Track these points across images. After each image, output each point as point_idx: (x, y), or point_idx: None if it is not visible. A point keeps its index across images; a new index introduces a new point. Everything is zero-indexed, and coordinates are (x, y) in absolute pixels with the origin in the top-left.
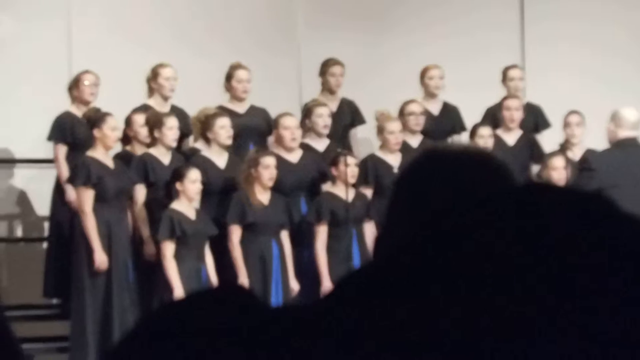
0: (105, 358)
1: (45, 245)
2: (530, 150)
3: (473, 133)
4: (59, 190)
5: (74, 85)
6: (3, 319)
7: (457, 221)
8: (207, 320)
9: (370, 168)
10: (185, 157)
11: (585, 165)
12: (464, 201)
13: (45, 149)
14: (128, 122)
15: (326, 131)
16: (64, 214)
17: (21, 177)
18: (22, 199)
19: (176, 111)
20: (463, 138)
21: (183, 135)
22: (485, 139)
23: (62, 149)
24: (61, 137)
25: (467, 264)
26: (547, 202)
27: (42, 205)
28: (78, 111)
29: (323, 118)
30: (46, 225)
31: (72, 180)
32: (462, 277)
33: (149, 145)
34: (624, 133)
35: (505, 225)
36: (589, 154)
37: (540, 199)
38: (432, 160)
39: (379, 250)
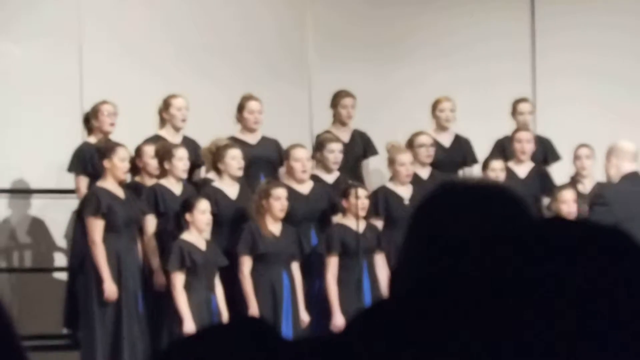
0: None
1: (56, 275)
2: (541, 182)
3: (485, 166)
4: (80, 221)
5: (93, 116)
6: (21, 350)
7: (476, 258)
8: (222, 357)
9: (381, 199)
10: (197, 188)
11: (599, 200)
12: (482, 236)
13: (57, 178)
14: (138, 152)
15: (336, 167)
16: (84, 244)
17: (33, 207)
18: (34, 228)
19: (187, 142)
20: (474, 170)
21: (194, 166)
22: (497, 172)
23: (84, 181)
24: (81, 168)
25: (487, 302)
26: (566, 238)
27: (54, 235)
28: (96, 141)
29: (334, 154)
30: (57, 255)
31: (81, 210)
32: (481, 316)
33: (158, 177)
34: (628, 166)
35: (527, 261)
36: (602, 189)
37: (559, 235)
38: (448, 193)
39: (394, 284)
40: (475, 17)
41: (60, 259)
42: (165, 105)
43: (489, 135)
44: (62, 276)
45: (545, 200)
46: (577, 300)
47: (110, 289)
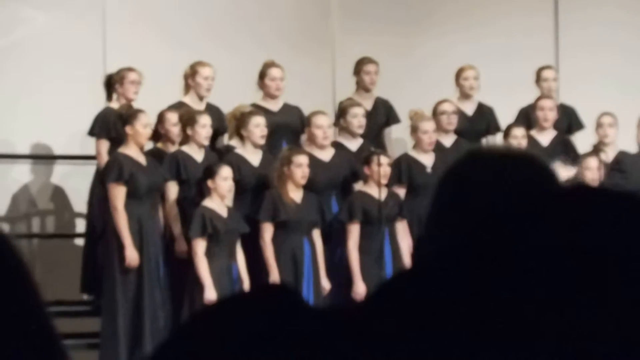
0: None
1: (77, 241)
2: (564, 150)
3: (507, 133)
4: (101, 186)
5: (118, 81)
6: (46, 316)
7: (506, 225)
8: (246, 329)
9: (404, 167)
10: (220, 155)
11: (618, 166)
12: (509, 203)
13: (79, 145)
14: (160, 119)
15: (361, 131)
16: (105, 210)
17: (55, 173)
18: (56, 194)
19: (212, 109)
20: (497, 139)
21: (218, 133)
22: (519, 139)
23: (105, 145)
24: (104, 132)
25: (517, 269)
26: (593, 206)
27: (76, 202)
28: (118, 107)
29: (358, 118)
30: (78, 221)
31: (104, 176)
32: (512, 281)
33: (180, 143)
34: None
35: (553, 231)
36: (622, 156)
37: (588, 202)
38: (475, 161)
39: (418, 252)
40: None
41: (82, 225)
42: (192, 71)
43: (512, 107)
44: (83, 242)
45: None
46: (603, 268)
47: (131, 255)
